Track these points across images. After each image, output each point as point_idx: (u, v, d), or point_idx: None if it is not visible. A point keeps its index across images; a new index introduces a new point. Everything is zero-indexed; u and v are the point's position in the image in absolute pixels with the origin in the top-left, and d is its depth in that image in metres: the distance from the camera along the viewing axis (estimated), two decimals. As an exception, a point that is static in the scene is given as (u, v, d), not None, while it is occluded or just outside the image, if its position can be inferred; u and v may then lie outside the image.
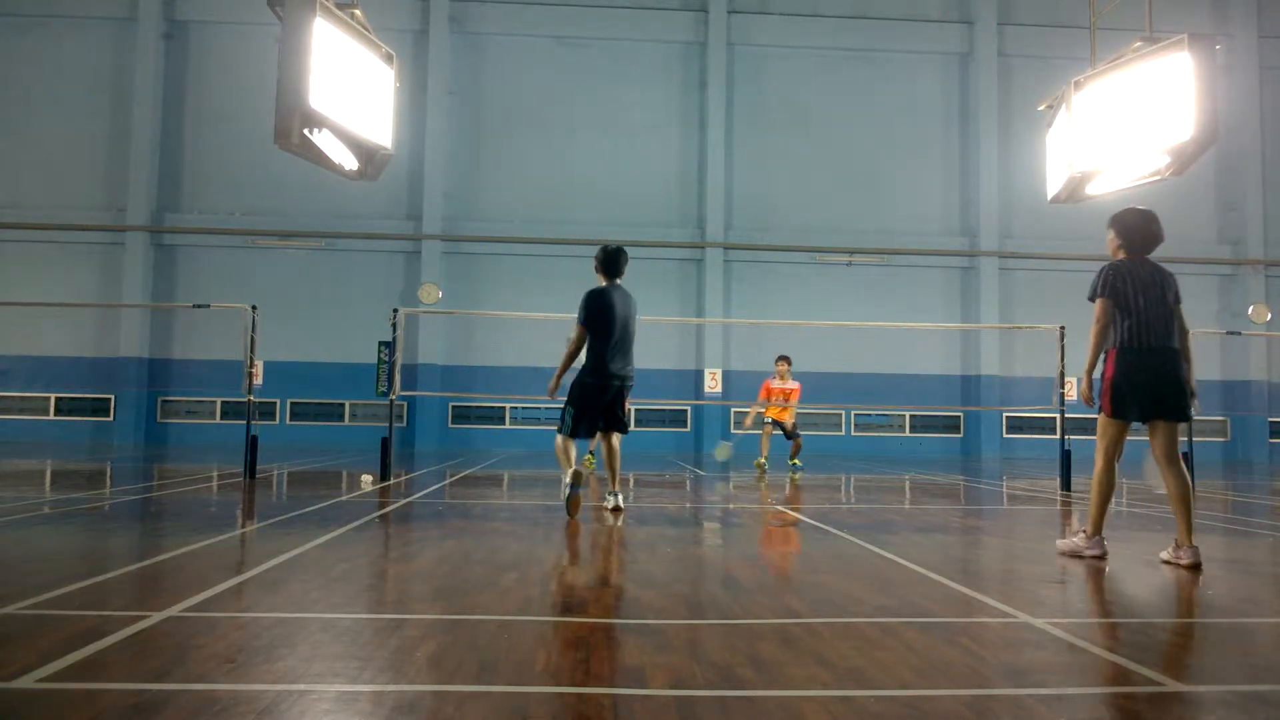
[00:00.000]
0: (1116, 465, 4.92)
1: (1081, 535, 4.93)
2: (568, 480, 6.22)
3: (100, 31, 21.22)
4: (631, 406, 11.24)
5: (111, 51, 21.16)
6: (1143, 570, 4.66)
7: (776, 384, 12.63)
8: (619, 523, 6.17)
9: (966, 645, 3.00)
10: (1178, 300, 4.92)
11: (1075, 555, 4.88)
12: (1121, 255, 4.97)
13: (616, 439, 6.62)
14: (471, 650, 2.81)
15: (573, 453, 6.46)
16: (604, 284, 6.58)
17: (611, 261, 6.54)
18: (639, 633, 3.11)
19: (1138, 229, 4.93)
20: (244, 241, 21.00)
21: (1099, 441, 4.94)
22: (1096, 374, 4.89)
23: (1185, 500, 4.72)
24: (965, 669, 2.73)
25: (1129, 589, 4.13)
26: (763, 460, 12.84)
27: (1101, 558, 4.77)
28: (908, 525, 6.56)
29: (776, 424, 12.71)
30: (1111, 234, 5.02)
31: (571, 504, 6.19)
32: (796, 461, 12.99)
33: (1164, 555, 4.80)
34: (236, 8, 20.22)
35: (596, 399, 6.39)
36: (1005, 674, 2.70)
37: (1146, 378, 4.73)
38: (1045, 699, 2.45)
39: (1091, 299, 4.89)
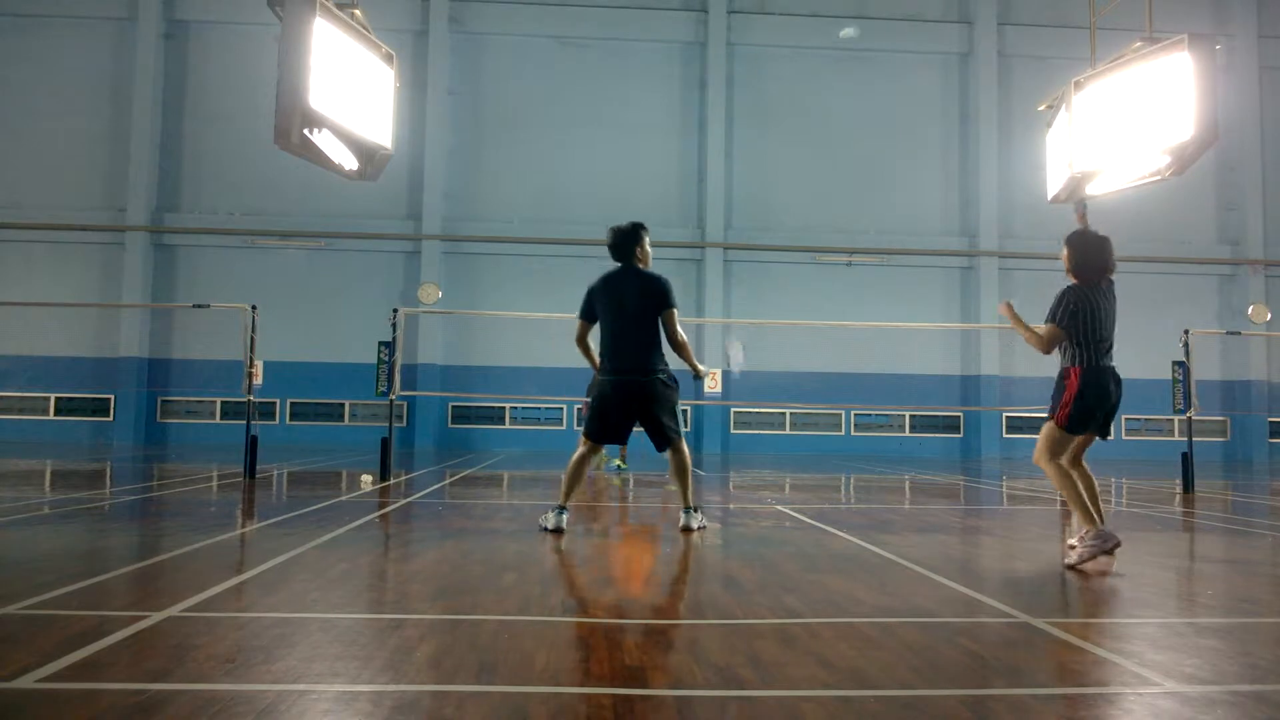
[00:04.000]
0: (1065, 463, 4.85)
1: (1087, 537, 4.59)
2: (551, 510, 5.55)
3: (100, 31, 21.22)
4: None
5: (111, 51, 21.17)
6: (1142, 570, 4.66)
7: None
8: (698, 540, 5.41)
9: (966, 645, 3.00)
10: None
11: (1094, 558, 4.56)
12: (1073, 280, 4.96)
13: (668, 455, 5.71)
14: (471, 650, 2.81)
15: (582, 471, 5.67)
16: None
17: (611, 244, 5.79)
18: (639, 633, 3.11)
19: (1095, 260, 4.92)
20: (244, 241, 21.00)
21: (1044, 446, 4.84)
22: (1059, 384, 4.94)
23: (1094, 492, 4.85)
24: (965, 669, 2.73)
25: (1128, 589, 4.12)
26: (620, 462, 11.56)
27: (1117, 546, 4.55)
28: (908, 525, 6.56)
29: None
30: (1067, 253, 4.98)
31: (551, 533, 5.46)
32: (619, 461, 11.49)
33: (1068, 559, 4.67)
34: (236, 8, 20.23)
35: (608, 397, 5.57)
36: (1005, 674, 2.70)
37: (1103, 396, 4.78)
38: (1045, 699, 2.45)
39: (1049, 320, 4.87)
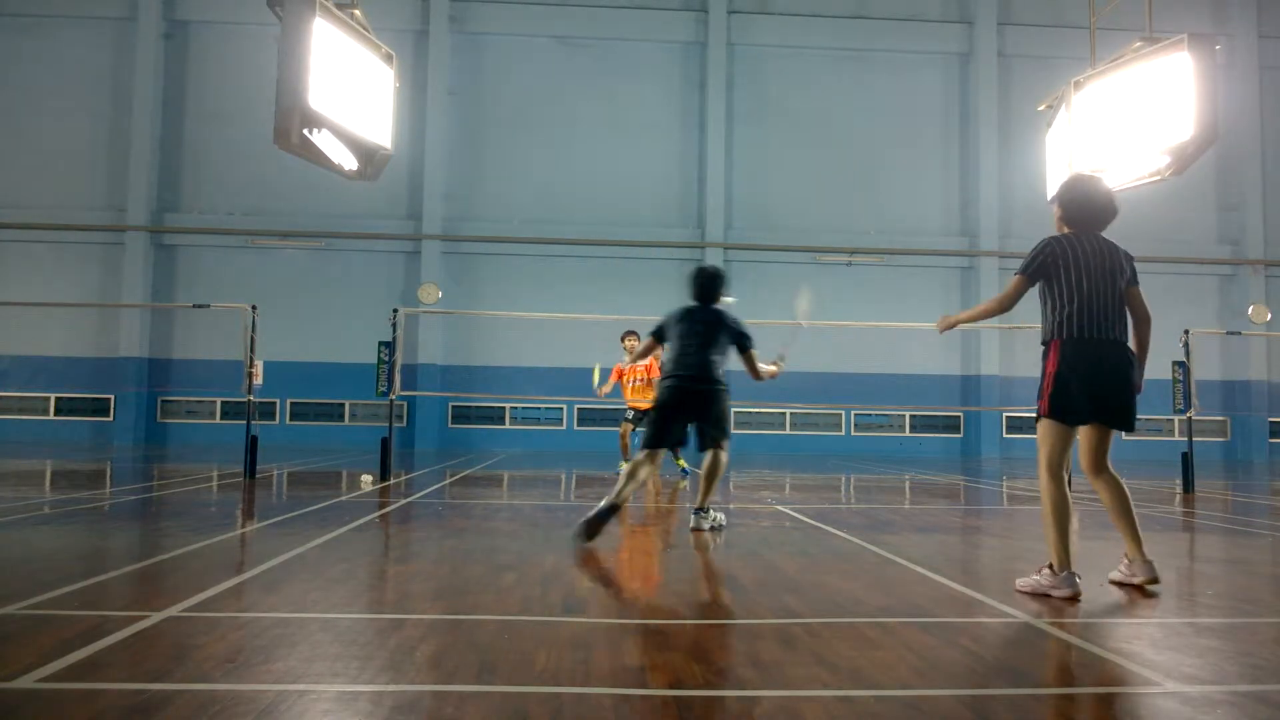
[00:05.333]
0: (1067, 477, 4.03)
1: (1047, 571, 3.88)
2: (603, 503, 5.25)
3: (100, 31, 21.22)
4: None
5: (111, 51, 21.17)
6: (1143, 570, 4.66)
7: (626, 364, 10.69)
8: (698, 540, 5.37)
9: (966, 645, 3.00)
10: (1133, 282, 4.08)
11: (1040, 594, 3.85)
12: (1065, 230, 4.17)
13: (709, 454, 6.01)
14: (471, 650, 2.81)
15: (638, 474, 5.53)
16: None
17: (699, 282, 6.14)
18: (639, 633, 3.11)
19: (1087, 199, 4.11)
20: (244, 241, 21.00)
21: (1039, 451, 4.03)
22: (1037, 370, 4.18)
23: (1126, 510, 4.01)
24: (965, 669, 2.73)
25: (1128, 589, 4.12)
26: (683, 463, 10.98)
27: (1074, 599, 3.75)
28: (908, 525, 6.56)
29: (642, 413, 10.33)
30: (1056, 206, 4.22)
31: (590, 525, 5.15)
32: (682, 464, 10.88)
33: (1114, 575, 4.08)
34: (236, 8, 20.23)
35: (669, 402, 5.82)
36: (1005, 674, 2.70)
37: (1093, 373, 3.92)
38: (1045, 699, 2.45)
39: (1022, 273, 4.08)
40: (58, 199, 20.78)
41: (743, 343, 6.09)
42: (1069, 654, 2.92)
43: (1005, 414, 21.53)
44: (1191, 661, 2.81)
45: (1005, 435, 21.62)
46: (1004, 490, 10.58)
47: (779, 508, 7.62)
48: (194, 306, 12.15)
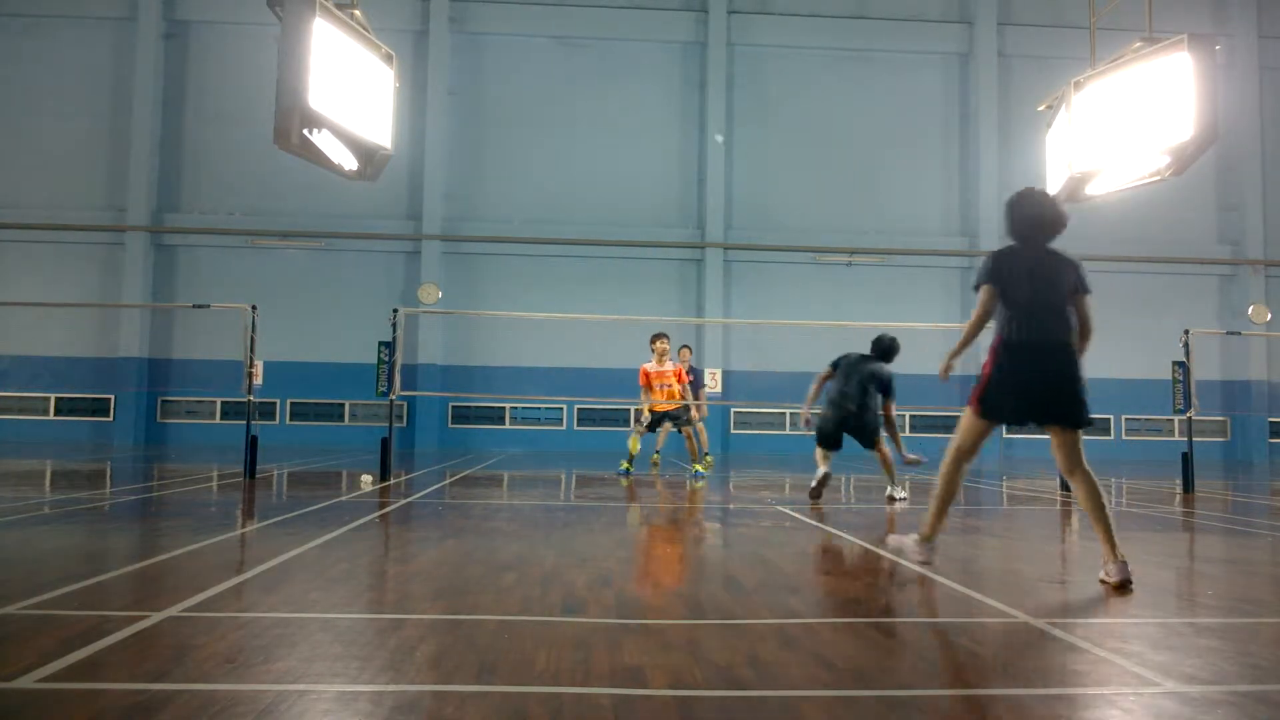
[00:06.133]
0: (965, 467, 4.37)
1: (915, 538, 4.43)
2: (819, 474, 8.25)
3: (100, 31, 21.21)
4: (633, 407, 11.31)
5: (111, 51, 21.16)
6: (1141, 570, 4.66)
7: (654, 367, 10.88)
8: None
9: (966, 645, 3.00)
10: (1079, 290, 4.25)
11: (900, 555, 4.43)
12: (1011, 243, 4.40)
13: (874, 453, 8.68)
14: (471, 650, 2.81)
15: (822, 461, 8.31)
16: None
17: (880, 349, 8.68)
18: (639, 633, 3.11)
19: (1034, 215, 4.29)
20: (244, 241, 21.00)
21: (955, 435, 4.35)
22: (974, 369, 4.53)
23: (1100, 510, 4.09)
24: (965, 669, 2.73)
25: (1109, 588, 4.12)
26: (655, 456, 12.09)
27: (926, 564, 4.30)
28: (907, 525, 6.56)
29: (665, 416, 10.96)
30: (1004, 220, 4.43)
31: (815, 492, 8.08)
32: (699, 467, 11.18)
33: (1100, 575, 4.14)
34: (236, 8, 20.22)
35: (830, 418, 8.43)
36: (1005, 674, 2.70)
37: (1030, 377, 4.13)
38: (1045, 699, 2.45)
39: (975, 287, 4.38)
40: (58, 199, 20.78)
41: (892, 393, 8.53)
42: (1069, 654, 2.92)
43: (1005, 414, 21.50)
44: (1191, 661, 2.81)
45: (1005, 435, 21.62)
46: (1004, 490, 10.59)
47: (779, 508, 7.62)
48: (194, 306, 12.15)
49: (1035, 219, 4.28)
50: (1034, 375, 4.11)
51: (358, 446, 18.60)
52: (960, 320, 21.61)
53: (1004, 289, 4.23)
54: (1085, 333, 4.27)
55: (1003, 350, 4.19)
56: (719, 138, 21.41)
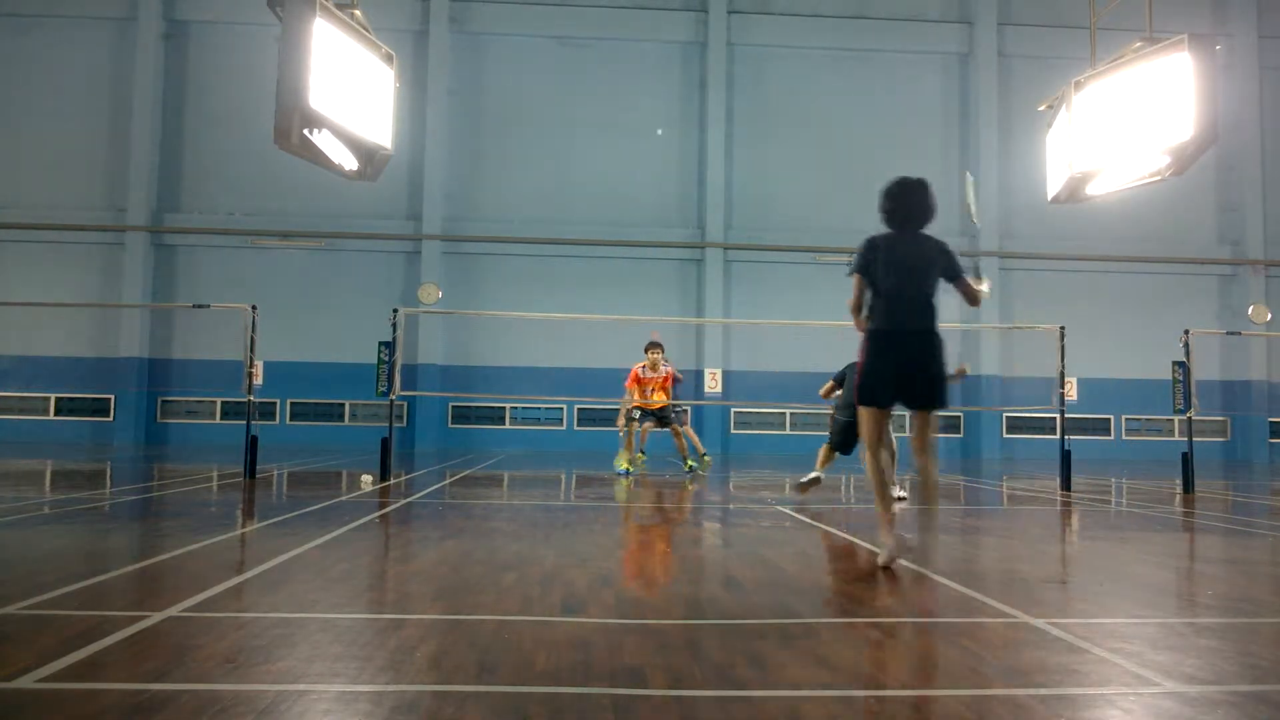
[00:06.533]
0: (884, 455, 4.54)
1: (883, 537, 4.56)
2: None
3: (100, 31, 21.21)
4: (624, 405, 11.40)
5: (111, 51, 21.16)
6: (1142, 570, 4.66)
7: (649, 373, 11.32)
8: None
9: (966, 645, 3.00)
10: (954, 274, 4.48)
11: (900, 555, 4.43)
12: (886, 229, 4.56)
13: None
14: (471, 650, 2.81)
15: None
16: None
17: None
18: (639, 632, 3.11)
19: (900, 201, 4.48)
20: (244, 241, 21.00)
21: (862, 433, 4.57)
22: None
23: (923, 494, 4.43)
24: (965, 669, 2.73)
25: (1128, 589, 4.12)
26: (639, 455, 12.06)
27: (888, 566, 4.33)
28: (907, 525, 6.55)
29: (651, 414, 11.35)
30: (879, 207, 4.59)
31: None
32: (691, 464, 11.58)
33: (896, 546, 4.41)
34: (236, 8, 20.22)
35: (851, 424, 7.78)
36: (1005, 674, 2.70)
37: (897, 363, 4.33)
38: (1045, 699, 2.45)
39: (848, 275, 4.53)
40: (58, 199, 20.78)
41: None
42: (1069, 654, 2.92)
43: (1005, 414, 21.52)
44: (1191, 661, 2.81)
45: (1005, 435, 21.62)
46: (1004, 490, 10.58)
47: (779, 508, 7.62)
48: (194, 306, 12.15)
49: (907, 208, 4.46)
50: (900, 361, 4.33)
51: (358, 446, 18.59)
52: (960, 319, 21.60)
53: (872, 279, 4.40)
54: (973, 304, 4.67)
55: (871, 339, 4.40)
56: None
